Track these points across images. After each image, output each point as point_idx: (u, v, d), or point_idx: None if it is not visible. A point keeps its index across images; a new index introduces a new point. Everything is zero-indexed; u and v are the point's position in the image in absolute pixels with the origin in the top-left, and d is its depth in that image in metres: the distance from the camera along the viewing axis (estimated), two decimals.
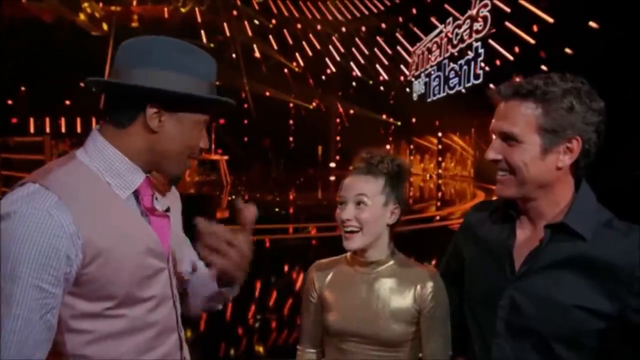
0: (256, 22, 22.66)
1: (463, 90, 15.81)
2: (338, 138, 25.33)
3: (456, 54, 16.56)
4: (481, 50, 14.69)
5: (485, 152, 1.19)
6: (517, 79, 1.17)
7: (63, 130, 20.51)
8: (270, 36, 22.88)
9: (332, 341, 1.43)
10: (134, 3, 20.86)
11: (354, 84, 23.65)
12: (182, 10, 21.45)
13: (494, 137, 1.19)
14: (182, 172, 1.15)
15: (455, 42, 16.62)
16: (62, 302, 0.97)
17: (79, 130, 20.44)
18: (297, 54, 23.24)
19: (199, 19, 21.26)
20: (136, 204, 1.10)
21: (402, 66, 22.01)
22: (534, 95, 1.10)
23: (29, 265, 0.90)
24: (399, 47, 21.86)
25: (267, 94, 22.53)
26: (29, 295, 0.90)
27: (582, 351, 1.09)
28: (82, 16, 19.95)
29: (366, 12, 22.85)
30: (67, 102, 20.01)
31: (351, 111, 23.97)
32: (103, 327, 1.01)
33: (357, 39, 23.13)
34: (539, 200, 1.15)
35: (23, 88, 19.71)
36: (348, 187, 1.38)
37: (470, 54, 15.41)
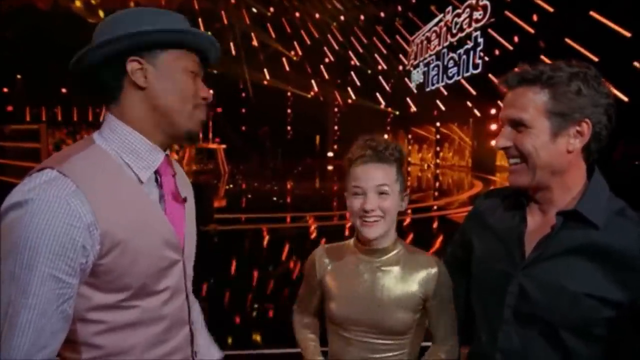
0: (254, 10, 22.48)
1: (462, 80, 15.75)
2: (336, 127, 25.28)
3: (455, 43, 16.48)
4: (480, 40, 14.62)
5: (495, 140, 1.18)
6: (524, 66, 1.15)
7: (59, 118, 20.42)
8: (269, 24, 22.72)
9: (335, 329, 1.44)
10: None
11: (352, 73, 23.55)
12: None
13: (503, 126, 1.18)
14: (195, 126, 1.11)
15: (454, 31, 16.53)
16: (78, 293, 0.96)
17: (75, 118, 20.35)
18: (295, 43, 23.10)
19: (196, 7, 21.07)
20: (156, 186, 1.09)
21: (400, 55, 21.90)
22: (540, 80, 1.11)
23: (46, 255, 0.89)
24: (397, 36, 21.74)
25: (265, 82, 22.43)
26: (45, 286, 0.89)
27: (590, 340, 1.08)
28: (77, 3, 19.75)
29: (365, 0, 22.68)
30: (64, 90, 19.88)
31: (349, 100, 23.90)
32: (116, 318, 1.01)
33: (355, 28, 22.98)
34: (551, 188, 1.14)
35: (19, 76, 19.56)
36: (365, 177, 1.35)
37: (470, 44, 15.33)
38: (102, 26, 1.06)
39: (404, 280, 1.38)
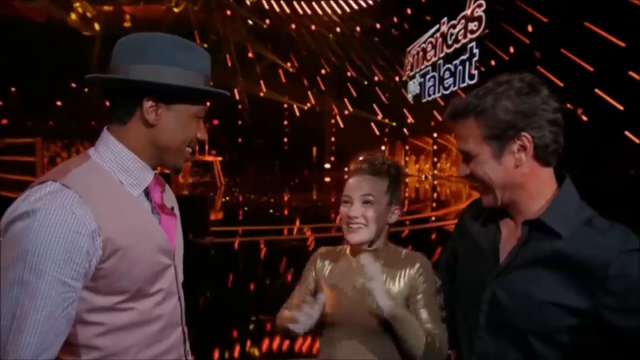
0: (250, 22, 22.57)
1: (458, 91, 15.82)
2: (333, 139, 25.30)
3: (451, 54, 16.58)
4: (476, 51, 14.72)
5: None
6: (455, 99, 1.22)
7: (54, 131, 20.34)
8: (264, 36, 22.80)
9: (326, 331, 1.50)
10: (126, 2, 20.70)
11: (349, 84, 23.61)
12: (175, 10, 21.34)
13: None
14: (182, 162, 1.20)
15: (450, 42, 16.64)
16: (78, 296, 1.02)
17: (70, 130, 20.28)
18: (291, 54, 23.17)
19: (192, 19, 21.16)
20: (147, 201, 1.17)
21: (397, 66, 22.00)
22: (468, 111, 1.17)
23: (54, 260, 0.95)
24: (394, 47, 21.85)
25: (262, 94, 22.46)
26: (53, 290, 0.95)
27: (558, 347, 1.12)
28: (73, 16, 19.80)
29: (363, 7, 22.65)
30: (59, 103, 19.85)
31: (346, 112, 23.95)
32: (114, 319, 1.07)
33: (351, 39, 23.09)
34: (516, 201, 1.19)
35: (13, 89, 19.53)
36: (354, 187, 1.48)
37: (465, 54, 15.43)
38: (127, 50, 1.10)
39: (391, 278, 1.46)
